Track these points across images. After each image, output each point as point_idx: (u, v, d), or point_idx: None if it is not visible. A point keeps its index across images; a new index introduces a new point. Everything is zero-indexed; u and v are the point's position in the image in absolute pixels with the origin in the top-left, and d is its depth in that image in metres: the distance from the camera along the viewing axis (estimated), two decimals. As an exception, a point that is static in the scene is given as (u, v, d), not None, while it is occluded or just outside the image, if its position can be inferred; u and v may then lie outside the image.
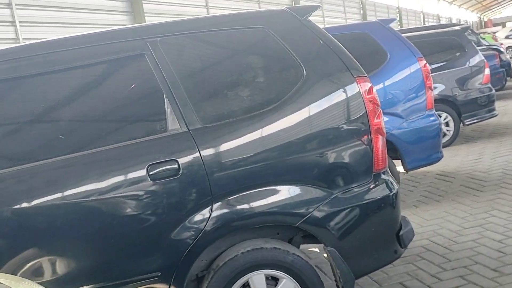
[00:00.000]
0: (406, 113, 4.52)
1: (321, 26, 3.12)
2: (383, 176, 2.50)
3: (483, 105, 7.09)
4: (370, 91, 2.46)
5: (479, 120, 7.16)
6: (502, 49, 13.69)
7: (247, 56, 2.51)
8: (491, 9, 70.64)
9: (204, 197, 2.24)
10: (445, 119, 6.96)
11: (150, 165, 2.20)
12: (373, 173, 2.45)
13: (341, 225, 2.38)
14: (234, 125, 2.31)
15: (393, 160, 4.54)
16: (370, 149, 2.42)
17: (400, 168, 4.67)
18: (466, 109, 7.02)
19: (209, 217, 2.24)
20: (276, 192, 2.33)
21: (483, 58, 7.11)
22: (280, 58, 2.46)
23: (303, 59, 2.43)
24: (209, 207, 2.25)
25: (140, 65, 2.36)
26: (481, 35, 19.91)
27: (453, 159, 6.29)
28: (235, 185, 2.27)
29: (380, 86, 4.49)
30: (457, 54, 7.14)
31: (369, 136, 2.41)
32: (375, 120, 2.43)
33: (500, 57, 12.35)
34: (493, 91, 7.18)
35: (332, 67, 2.45)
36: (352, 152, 2.41)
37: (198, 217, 2.24)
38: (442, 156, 4.71)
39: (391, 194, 2.49)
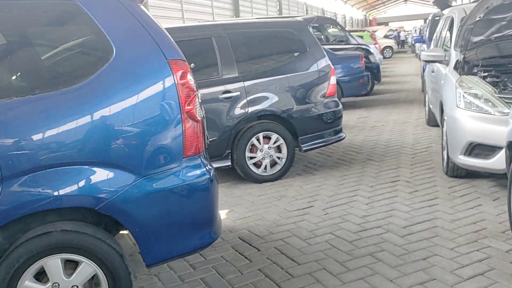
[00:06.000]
0: (142, 165, 2.40)
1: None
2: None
3: (327, 124, 5.30)
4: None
5: (321, 145, 5.35)
6: (372, 49, 12.25)
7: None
8: (376, 8, 73.18)
9: None
10: (275, 142, 5.07)
11: None
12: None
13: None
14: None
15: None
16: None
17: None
18: (304, 130, 5.17)
19: None
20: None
21: (329, 62, 5.29)
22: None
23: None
24: None
25: None
26: (361, 33, 19.07)
27: (273, 207, 4.37)
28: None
29: (95, 114, 2.31)
30: (296, 54, 5.24)
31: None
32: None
33: (368, 58, 11.00)
34: (340, 106, 5.41)
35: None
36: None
37: None
38: (216, 236, 2.68)
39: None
